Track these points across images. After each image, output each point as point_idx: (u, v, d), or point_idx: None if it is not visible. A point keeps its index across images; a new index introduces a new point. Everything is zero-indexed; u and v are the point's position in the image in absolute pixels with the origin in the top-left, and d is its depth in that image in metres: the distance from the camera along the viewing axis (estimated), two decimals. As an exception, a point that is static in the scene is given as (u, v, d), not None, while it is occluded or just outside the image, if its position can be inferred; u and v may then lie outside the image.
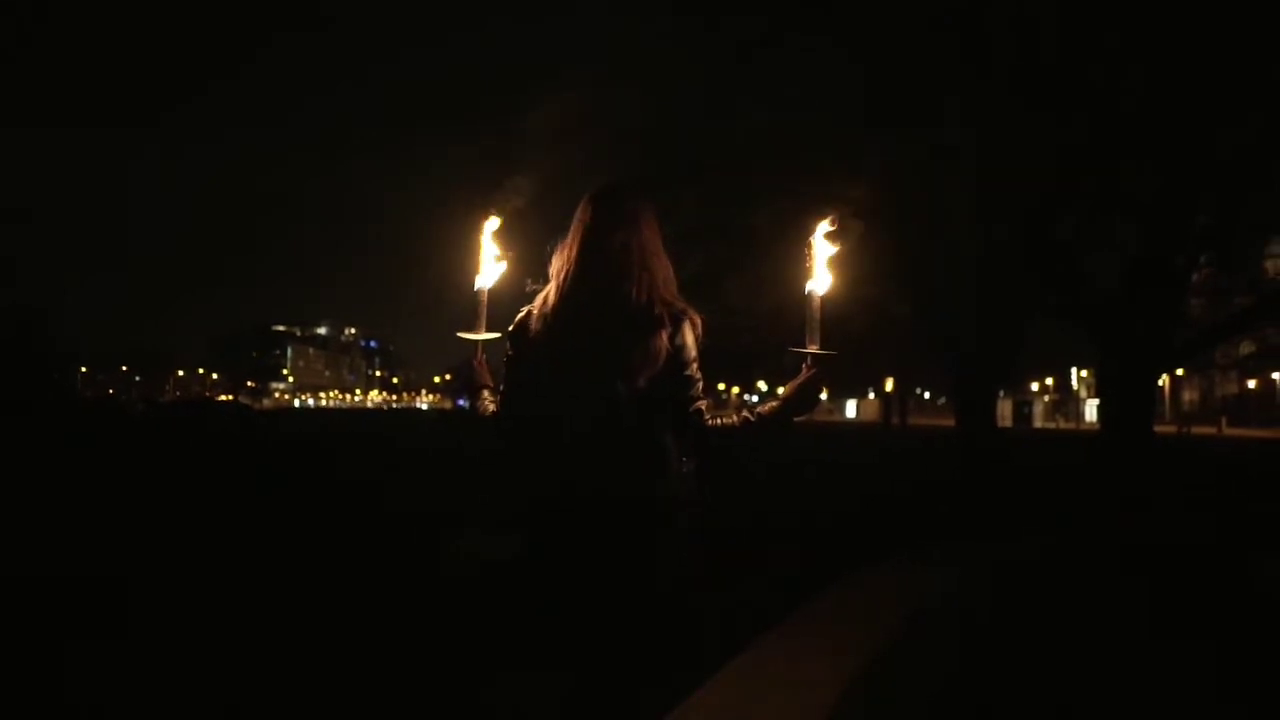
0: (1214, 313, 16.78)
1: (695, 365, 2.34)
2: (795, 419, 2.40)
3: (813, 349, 2.39)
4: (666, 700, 3.33)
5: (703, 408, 2.34)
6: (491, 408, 2.51)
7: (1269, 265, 15.07)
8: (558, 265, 2.41)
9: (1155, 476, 13.21)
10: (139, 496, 11.32)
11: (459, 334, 2.60)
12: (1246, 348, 24.64)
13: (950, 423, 25.15)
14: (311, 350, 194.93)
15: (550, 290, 2.40)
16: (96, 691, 4.19)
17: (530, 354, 2.38)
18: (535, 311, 2.41)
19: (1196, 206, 13.26)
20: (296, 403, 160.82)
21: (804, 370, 2.38)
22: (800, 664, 4.09)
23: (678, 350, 2.31)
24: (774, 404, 2.39)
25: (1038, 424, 67.37)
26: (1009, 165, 11.98)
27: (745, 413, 2.38)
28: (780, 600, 5.43)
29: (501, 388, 2.48)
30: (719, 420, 2.35)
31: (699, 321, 2.38)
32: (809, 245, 2.45)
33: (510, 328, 2.44)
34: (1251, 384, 54.72)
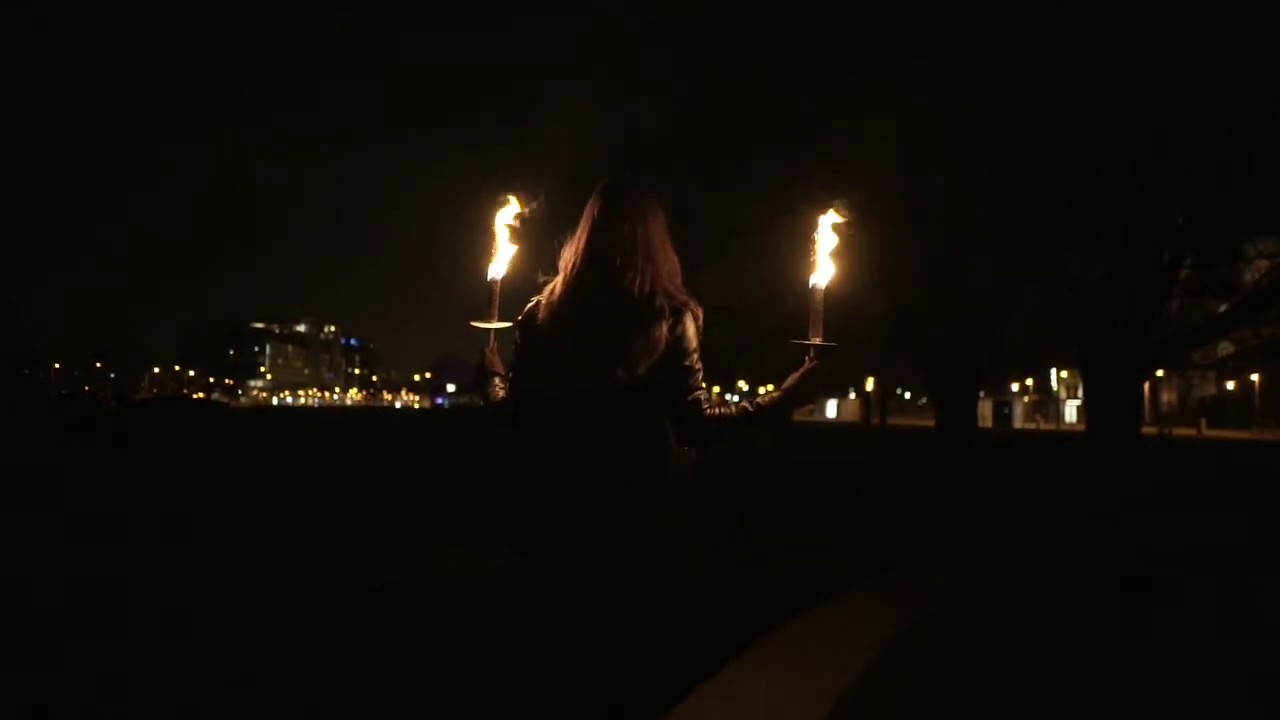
0: (1198, 312, 16.67)
1: (695, 356, 2.36)
2: (795, 410, 2.43)
3: (815, 341, 2.42)
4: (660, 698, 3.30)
5: (701, 398, 2.35)
6: (502, 394, 2.56)
7: (1256, 264, 14.89)
8: (567, 257, 2.45)
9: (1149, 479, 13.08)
10: (91, 501, 10.96)
11: (472, 323, 2.64)
12: (1225, 349, 24.63)
13: (930, 423, 25.05)
14: (290, 348, 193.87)
15: (558, 281, 2.45)
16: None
17: (536, 342, 2.43)
18: (543, 301, 2.45)
19: (1177, 203, 13.11)
20: (275, 400, 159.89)
21: (806, 361, 2.41)
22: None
23: (677, 340, 2.34)
24: (775, 395, 2.40)
25: (1018, 425, 67.60)
26: (989, 157, 11.83)
27: (744, 403, 2.40)
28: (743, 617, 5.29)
29: (509, 373, 2.54)
30: (717, 411, 2.36)
31: (700, 314, 2.41)
32: (813, 239, 2.47)
33: (519, 317, 2.49)
34: (1230, 385, 54.99)
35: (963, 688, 4.37)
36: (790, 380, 2.41)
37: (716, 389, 65.20)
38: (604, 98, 14.23)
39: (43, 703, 3.98)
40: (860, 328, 17.71)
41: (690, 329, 2.37)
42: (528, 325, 2.46)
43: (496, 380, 2.60)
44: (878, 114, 11.96)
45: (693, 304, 2.41)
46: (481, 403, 2.59)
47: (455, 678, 4.39)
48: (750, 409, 2.38)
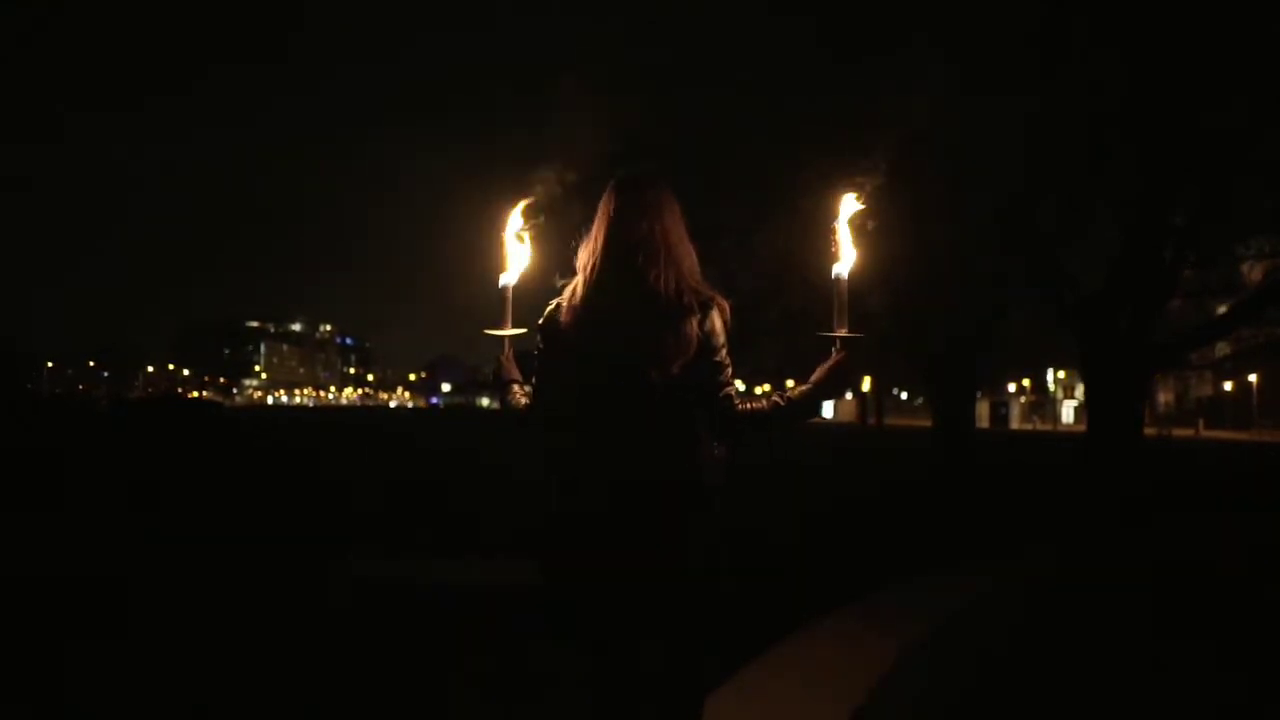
0: (1198, 312, 16.58)
1: (725, 351, 2.34)
2: (826, 402, 2.41)
3: (841, 332, 2.38)
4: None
5: (733, 393, 2.34)
6: (523, 400, 2.52)
7: (1258, 264, 14.81)
8: (584, 257, 2.40)
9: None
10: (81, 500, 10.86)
11: (486, 330, 2.60)
12: (1222, 349, 24.61)
13: (927, 423, 25.00)
14: (285, 347, 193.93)
15: (578, 282, 2.39)
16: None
17: (561, 346, 2.36)
18: (564, 304, 2.39)
19: (1177, 203, 13.04)
20: (270, 399, 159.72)
21: (834, 354, 2.38)
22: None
23: (707, 337, 2.31)
24: (805, 388, 2.39)
25: (1014, 425, 67.56)
26: (989, 150, 11.75)
27: (775, 397, 2.38)
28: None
29: (533, 380, 2.47)
30: (749, 406, 2.34)
31: (726, 307, 2.38)
32: (833, 229, 2.43)
33: (540, 321, 2.43)
34: (1228, 386, 55.00)
35: (973, 701, 4.26)
36: (818, 373, 2.39)
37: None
38: (603, 97, 14.10)
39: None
40: (856, 323, 17.59)
41: (718, 323, 2.34)
42: (550, 330, 2.39)
43: (515, 387, 2.57)
44: (877, 112, 11.85)
45: (719, 298, 2.38)
46: (501, 409, 2.56)
47: (439, 698, 4.23)
48: (781, 403, 2.37)
